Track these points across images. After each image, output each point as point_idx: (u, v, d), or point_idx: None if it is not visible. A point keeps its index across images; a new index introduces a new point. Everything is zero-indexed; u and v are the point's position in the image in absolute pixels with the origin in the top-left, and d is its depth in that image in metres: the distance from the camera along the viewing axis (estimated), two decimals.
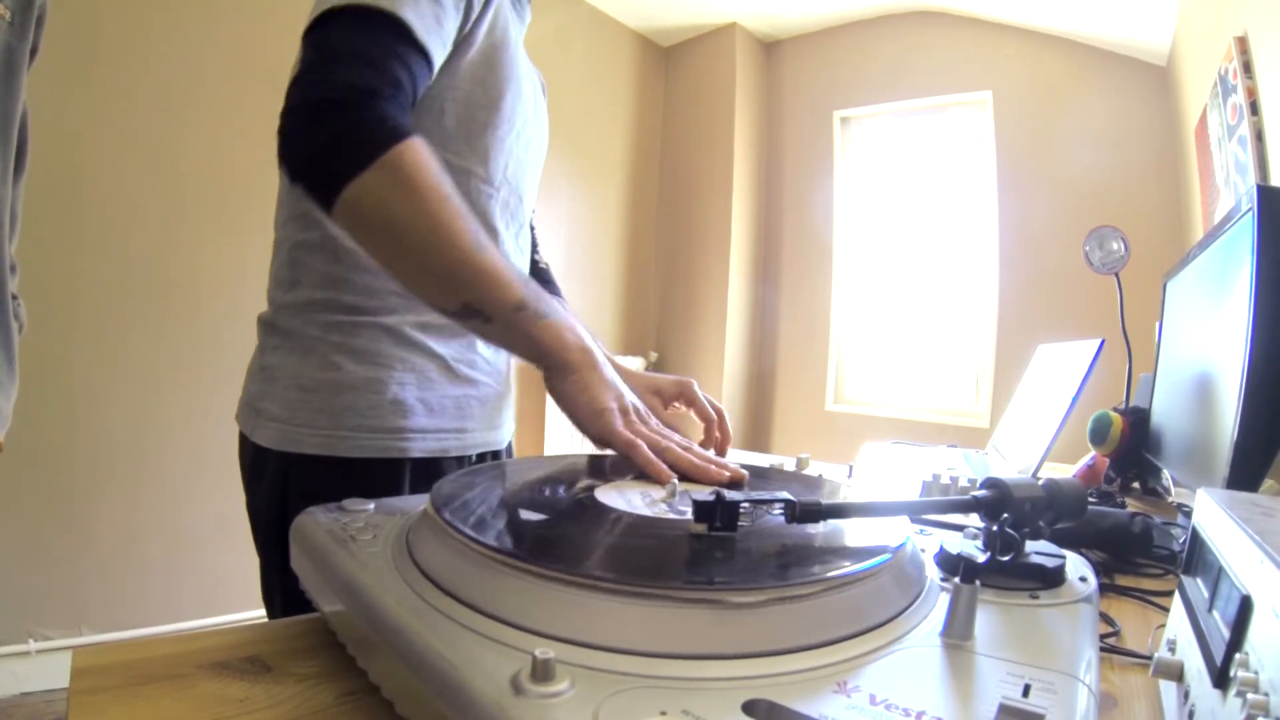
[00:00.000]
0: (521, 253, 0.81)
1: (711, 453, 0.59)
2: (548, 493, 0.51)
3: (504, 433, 0.82)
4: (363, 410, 0.68)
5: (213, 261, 2.11)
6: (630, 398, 0.61)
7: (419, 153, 0.54)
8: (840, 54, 3.48)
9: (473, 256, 0.55)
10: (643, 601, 0.30)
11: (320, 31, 0.57)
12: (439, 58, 0.63)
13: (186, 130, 2.07)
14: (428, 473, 0.70)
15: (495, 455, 0.82)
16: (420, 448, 0.70)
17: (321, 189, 0.54)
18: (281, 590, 0.69)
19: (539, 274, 0.93)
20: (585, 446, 0.61)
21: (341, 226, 0.56)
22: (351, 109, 0.53)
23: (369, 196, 0.53)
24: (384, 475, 0.69)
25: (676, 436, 0.60)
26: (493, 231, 0.74)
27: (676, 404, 0.84)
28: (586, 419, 0.59)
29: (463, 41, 0.67)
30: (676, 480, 0.50)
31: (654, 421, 0.61)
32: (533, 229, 0.92)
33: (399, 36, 0.57)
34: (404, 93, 0.57)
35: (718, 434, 0.80)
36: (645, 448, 0.56)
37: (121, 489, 2.00)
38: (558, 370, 0.59)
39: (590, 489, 0.48)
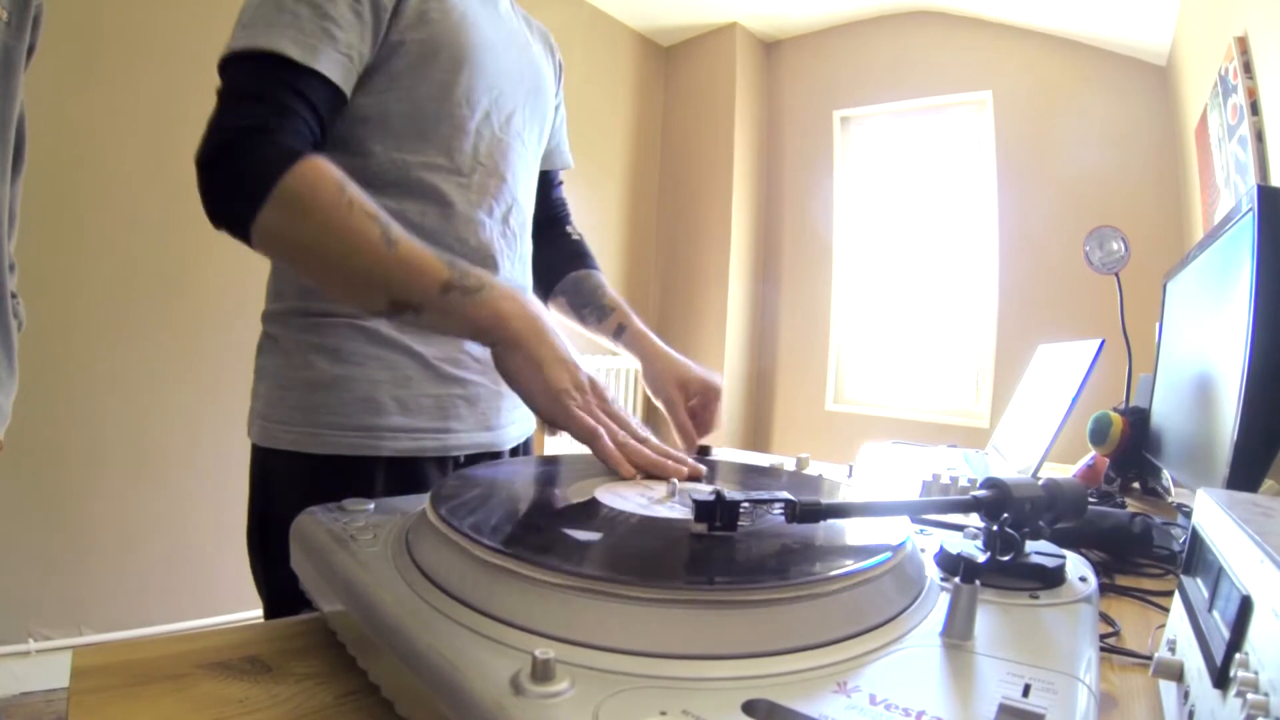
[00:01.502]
0: (513, 235, 0.78)
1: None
2: (548, 492, 0.51)
3: (506, 433, 0.79)
4: (333, 407, 0.68)
5: (213, 261, 2.11)
6: (586, 374, 0.59)
7: (310, 172, 0.56)
8: (840, 54, 3.48)
9: (383, 254, 0.56)
10: (643, 602, 0.30)
11: (222, 79, 0.61)
12: (342, 68, 0.63)
13: (188, 128, 2.03)
14: (406, 473, 0.70)
15: (494, 457, 0.79)
16: (394, 447, 0.69)
17: (236, 231, 0.57)
18: (265, 583, 0.69)
19: (570, 246, 0.92)
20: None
21: (266, 256, 0.60)
22: (240, 151, 0.56)
23: (273, 228, 0.56)
24: (356, 473, 0.68)
25: (633, 424, 0.58)
26: (470, 221, 0.73)
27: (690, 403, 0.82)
28: (541, 400, 0.57)
29: (393, 46, 0.67)
30: (676, 481, 0.50)
31: (610, 397, 0.59)
32: (565, 202, 0.94)
33: (284, 67, 0.59)
34: (296, 117, 0.59)
35: (678, 438, 0.79)
36: (606, 438, 0.55)
37: (122, 488, 2.00)
38: (503, 345, 0.57)
39: (590, 489, 0.48)
